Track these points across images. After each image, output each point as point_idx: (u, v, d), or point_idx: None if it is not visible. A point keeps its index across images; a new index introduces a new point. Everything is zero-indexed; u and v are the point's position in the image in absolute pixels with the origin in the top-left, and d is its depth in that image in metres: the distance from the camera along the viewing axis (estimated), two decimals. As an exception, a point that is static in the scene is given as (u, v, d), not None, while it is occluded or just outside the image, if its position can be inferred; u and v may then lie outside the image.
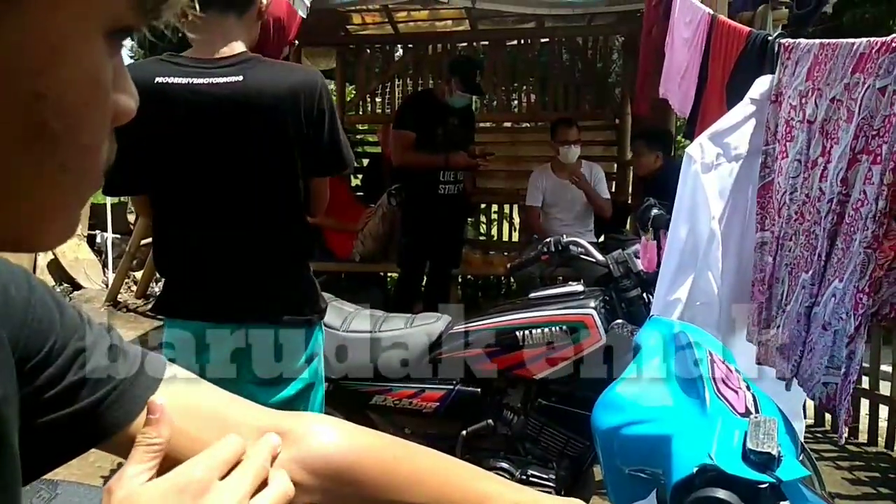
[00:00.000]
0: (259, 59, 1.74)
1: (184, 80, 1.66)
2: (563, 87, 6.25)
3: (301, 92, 1.70)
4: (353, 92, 6.99)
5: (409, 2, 3.66)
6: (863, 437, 3.67)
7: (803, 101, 1.42)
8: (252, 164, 1.71)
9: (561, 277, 4.32)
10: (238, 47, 1.72)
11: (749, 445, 0.90)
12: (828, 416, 3.71)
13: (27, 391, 0.57)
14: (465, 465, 0.74)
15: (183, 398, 0.64)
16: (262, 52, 2.50)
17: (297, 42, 2.71)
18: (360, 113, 6.63)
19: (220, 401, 0.67)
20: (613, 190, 5.69)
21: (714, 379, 1.04)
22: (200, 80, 1.66)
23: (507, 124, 6.72)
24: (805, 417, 2.32)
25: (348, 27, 6.00)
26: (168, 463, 0.60)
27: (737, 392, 1.06)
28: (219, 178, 1.71)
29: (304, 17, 3.00)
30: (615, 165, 5.92)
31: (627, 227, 5.43)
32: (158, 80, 1.65)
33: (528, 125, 6.61)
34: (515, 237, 6.40)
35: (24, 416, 0.56)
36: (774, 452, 0.88)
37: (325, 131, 1.75)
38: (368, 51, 6.42)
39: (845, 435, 1.43)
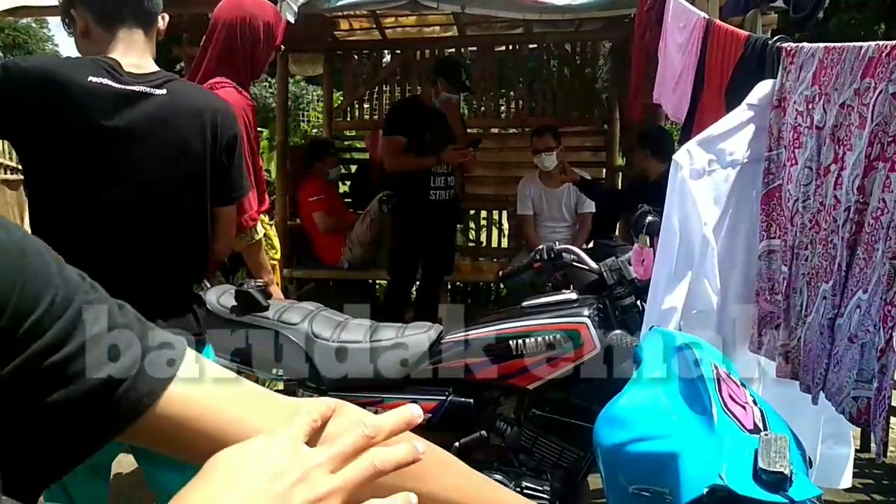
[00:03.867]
0: (177, 78, 1.84)
1: (115, 85, 1.70)
2: (552, 92, 6.24)
3: (219, 113, 1.81)
4: (341, 98, 6.94)
5: (399, 7, 3.63)
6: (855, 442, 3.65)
7: (810, 106, 1.39)
8: (166, 176, 1.75)
9: (550, 285, 4.30)
10: (153, 64, 1.81)
11: (761, 465, 0.87)
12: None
13: (29, 354, 0.50)
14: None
15: (212, 372, 0.61)
16: (253, 57, 2.48)
17: (282, 47, 2.67)
18: (348, 119, 6.59)
19: (244, 381, 0.65)
20: (602, 195, 5.68)
21: (721, 394, 1.01)
22: (130, 88, 1.71)
23: (495, 130, 6.70)
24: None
25: (336, 33, 5.96)
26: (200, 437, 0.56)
27: (744, 407, 1.02)
28: (131, 187, 1.70)
29: (293, 21, 2.96)
30: (604, 171, 5.90)
31: (617, 233, 5.41)
32: (92, 79, 1.67)
33: (516, 131, 6.59)
34: (505, 243, 6.38)
35: (28, 389, 0.50)
36: (787, 472, 0.85)
37: (235, 157, 1.85)
38: (356, 56, 6.38)
39: (881, 452, 1.39)
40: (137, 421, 0.55)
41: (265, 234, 2.57)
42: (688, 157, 1.58)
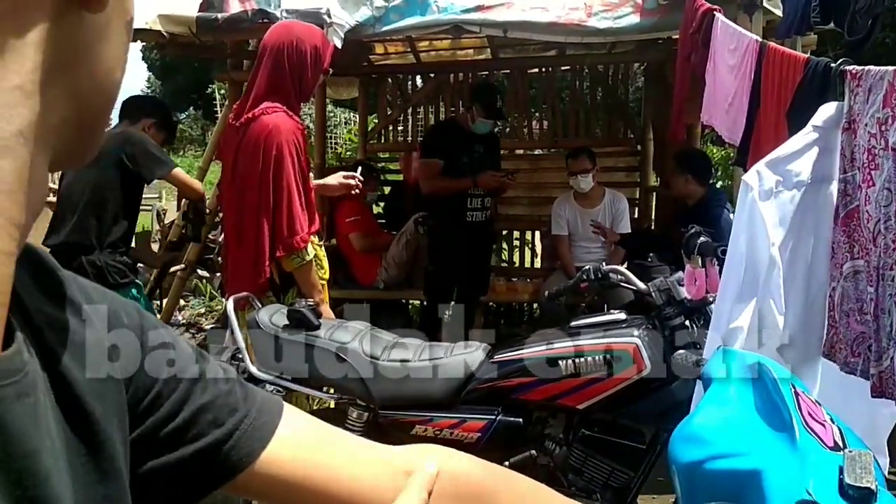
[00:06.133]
0: None
1: None
2: (585, 113, 6.26)
3: None
4: (375, 121, 7.03)
5: (442, 32, 3.67)
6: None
7: (883, 128, 1.40)
8: None
9: (584, 304, 4.28)
10: None
11: (847, 480, 0.88)
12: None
13: (149, 425, 0.55)
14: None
15: (311, 430, 0.63)
16: (301, 80, 2.54)
17: (330, 71, 2.73)
18: (382, 141, 6.66)
19: (345, 436, 0.66)
20: (636, 216, 5.67)
21: (801, 412, 1.02)
22: None
23: (521, 151, 6.71)
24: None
25: (371, 57, 6.05)
26: (302, 495, 0.60)
27: (823, 425, 1.03)
28: None
29: (339, 46, 3.03)
30: (637, 191, 5.90)
31: (652, 253, 5.39)
32: None
33: (548, 151, 6.62)
34: (537, 264, 6.38)
35: (144, 455, 0.54)
36: (873, 487, 0.87)
37: None
38: (390, 80, 6.47)
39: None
40: (236, 478, 0.59)
41: (315, 255, 2.61)
42: (757, 178, 1.59)
